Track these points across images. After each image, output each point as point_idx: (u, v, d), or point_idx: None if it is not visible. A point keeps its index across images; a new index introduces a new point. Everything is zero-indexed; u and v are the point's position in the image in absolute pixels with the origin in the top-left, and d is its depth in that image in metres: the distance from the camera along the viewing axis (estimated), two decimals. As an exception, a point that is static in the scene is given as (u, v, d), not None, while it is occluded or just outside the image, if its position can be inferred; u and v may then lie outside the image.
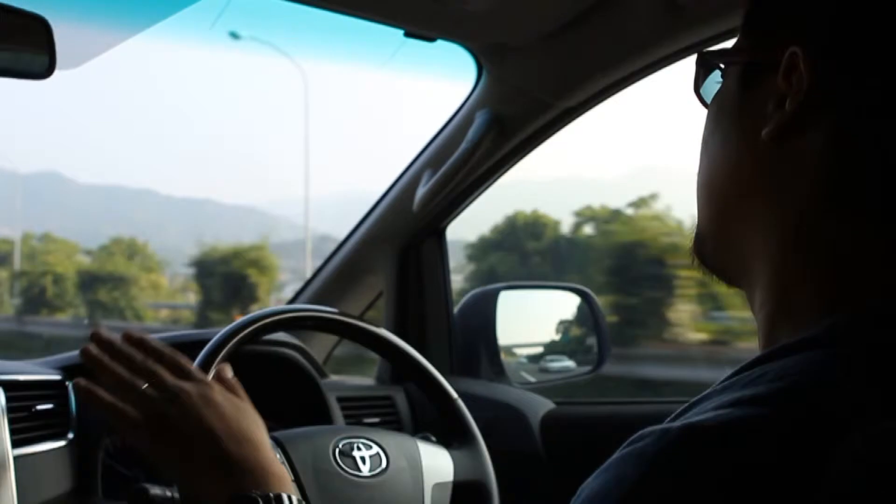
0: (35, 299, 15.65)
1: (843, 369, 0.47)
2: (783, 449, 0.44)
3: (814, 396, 0.46)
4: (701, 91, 0.64)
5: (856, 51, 0.51)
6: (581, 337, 1.84)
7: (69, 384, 1.28)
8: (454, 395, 1.24)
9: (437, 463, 1.18)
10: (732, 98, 0.58)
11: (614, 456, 0.49)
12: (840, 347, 0.49)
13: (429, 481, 1.16)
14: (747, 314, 0.59)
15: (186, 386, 0.86)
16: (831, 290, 0.52)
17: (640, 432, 0.49)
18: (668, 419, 0.52)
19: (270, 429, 1.42)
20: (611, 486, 0.47)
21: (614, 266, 9.96)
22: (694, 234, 0.63)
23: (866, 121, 0.51)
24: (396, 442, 1.19)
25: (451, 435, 1.24)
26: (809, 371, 0.48)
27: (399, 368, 1.36)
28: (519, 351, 1.86)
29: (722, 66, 0.62)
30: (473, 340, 1.79)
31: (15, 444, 1.11)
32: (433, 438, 1.24)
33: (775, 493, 0.43)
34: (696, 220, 0.62)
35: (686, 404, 0.53)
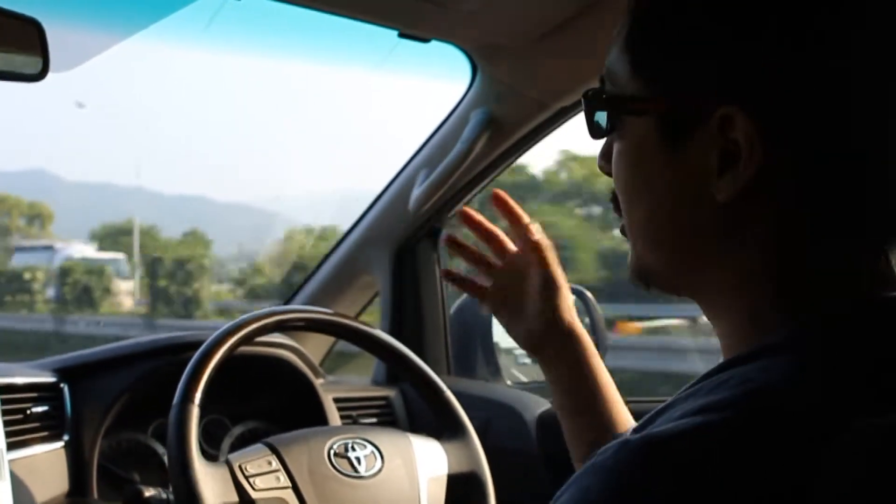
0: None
1: (805, 373, 0.48)
2: (749, 453, 0.45)
3: (777, 400, 0.47)
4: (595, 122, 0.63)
5: (793, 104, 0.52)
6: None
7: (64, 386, 1.28)
8: (443, 387, 1.25)
9: (430, 457, 1.19)
10: (655, 147, 0.57)
11: (579, 470, 0.49)
12: (801, 352, 0.50)
13: (423, 476, 1.16)
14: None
15: None
16: (793, 300, 0.54)
17: (603, 447, 0.49)
18: (635, 427, 0.54)
19: (266, 433, 1.43)
20: (576, 501, 0.48)
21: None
22: (635, 263, 0.62)
23: (822, 161, 0.52)
24: (390, 439, 1.19)
25: (442, 427, 1.24)
26: (772, 376, 0.48)
27: (393, 367, 1.37)
28: (515, 350, 1.86)
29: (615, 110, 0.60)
30: (469, 340, 1.79)
31: (10, 447, 1.11)
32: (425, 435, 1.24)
33: (746, 496, 0.44)
34: (637, 253, 0.62)
35: (651, 413, 0.54)
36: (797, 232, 0.53)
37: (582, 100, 0.63)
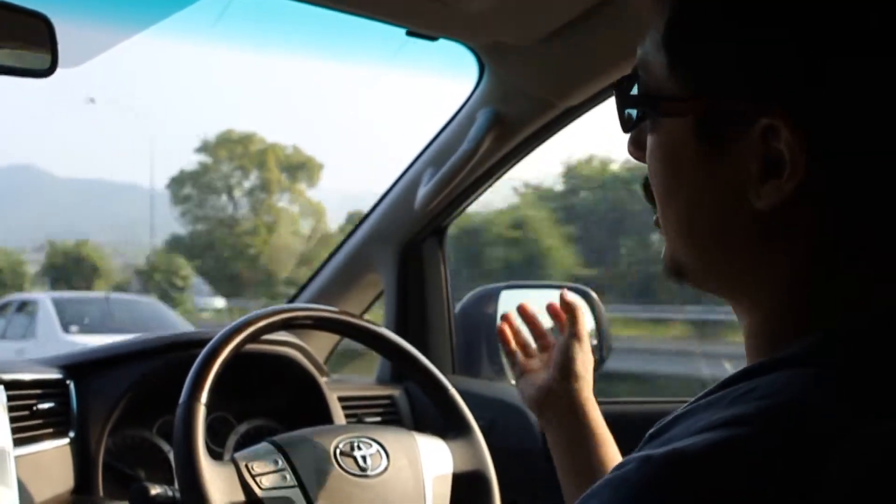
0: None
1: (830, 386, 0.47)
2: (772, 470, 0.44)
3: (802, 415, 0.46)
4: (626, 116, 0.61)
5: (841, 116, 0.50)
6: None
7: (70, 383, 1.28)
8: (448, 386, 1.25)
9: (435, 456, 1.19)
10: (691, 148, 0.55)
11: (598, 483, 0.48)
12: (827, 364, 0.49)
13: (429, 475, 1.16)
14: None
15: None
16: (822, 309, 0.53)
17: (623, 459, 0.49)
18: (650, 432, 0.52)
19: (271, 431, 1.42)
20: None
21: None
22: (669, 257, 0.61)
23: (867, 176, 0.51)
24: (396, 438, 1.19)
25: (447, 426, 1.24)
26: (796, 389, 0.48)
27: (398, 365, 1.37)
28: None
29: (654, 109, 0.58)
30: (474, 339, 1.78)
31: (16, 444, 1.11)
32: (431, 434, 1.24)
33: None
34: (671, 247, 0.61)
35: (668, 418, 0.52)
36: (833, 243, 0.52)
37: (614, 92, 0.61)
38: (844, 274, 0.52)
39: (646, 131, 0.60)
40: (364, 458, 1.13)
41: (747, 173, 0.52)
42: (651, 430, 0.52)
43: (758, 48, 0.51)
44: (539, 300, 1.96)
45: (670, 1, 0.56)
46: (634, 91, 0.60)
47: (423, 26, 1.33)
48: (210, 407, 1.06)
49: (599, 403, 1.04)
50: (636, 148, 0.63)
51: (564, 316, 1.04)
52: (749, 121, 0.52)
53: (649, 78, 0.58)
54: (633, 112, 0.61)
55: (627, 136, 0.64)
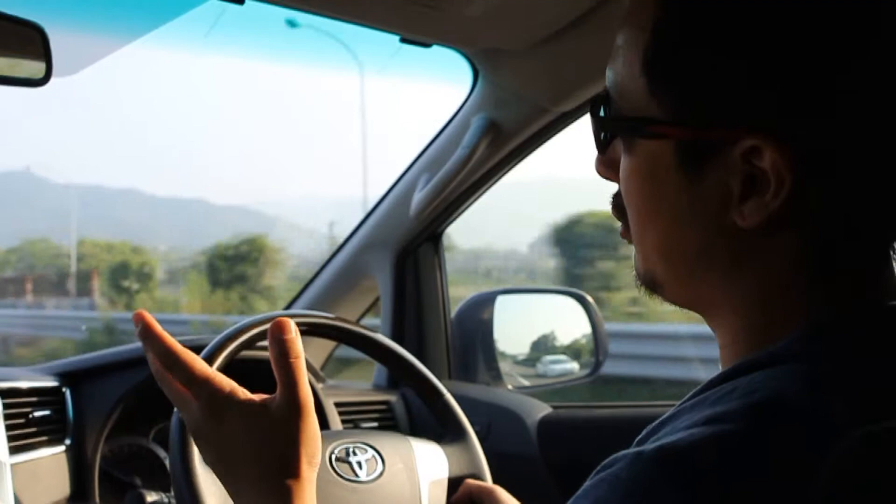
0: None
1: (810, 382, 0.48)
2: (760, 463, 0.45)
3: (786, 410, 0.47)
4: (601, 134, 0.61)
5: (826, 136, 0.51)
6: (577, 340, 1.84)
7: (66, 390, 1.28)
8: (444, 390, 1.25)
9: (431, 460, 1.19)
10: (670, 170, 0.55)
11: (588, 482, 0.49)
12: (804, 362, 0.50)
13: (424, 480, 1.16)
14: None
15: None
16: (798, 313, 0.53)
17: (612, 457, 0.49)
18: (639, 437, 0.53)
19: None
20: None
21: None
22: (643, 270, 0.61)
23: (850, 192, 0.52)
24: (391, 443, 1.19)
25: (442, 430, 1.24)
26: (777, 385, 0.48)
27: (393, 370, 1.37)
28: (516, 355, 1.86)
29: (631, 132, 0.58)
30: (471, 345, 1.79)
31: (12, 452, 1.11)
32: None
33: None
34: (647, 262, 0.60)
35: (655, 423, 0.53)
36: (813, 258, 0.53)
37: (590, 117, 0.61)
38: (824, 283, 0.53)
39: (619, 151, 0.59)
40: (359, 463, 1.13)
41: (727, 193, 0.53)
42: (639, 437, 0.53)
43: (742, 74, 0.51)
44: (534, 305, 1.98)
45: (651, 25, 0.55)
46: (607, 112, 0.60)
47: (417, 33, 1.34)
48: (206, 414, 1.06)
49: (594, 407, 1.04)
50: (606, 167, 0.62)
51: None
52: (731, 142, 0.52)
53: (624, 100, 0.57)
54: (608, 132, 0.60)
55: (596, 155, 0.63)
